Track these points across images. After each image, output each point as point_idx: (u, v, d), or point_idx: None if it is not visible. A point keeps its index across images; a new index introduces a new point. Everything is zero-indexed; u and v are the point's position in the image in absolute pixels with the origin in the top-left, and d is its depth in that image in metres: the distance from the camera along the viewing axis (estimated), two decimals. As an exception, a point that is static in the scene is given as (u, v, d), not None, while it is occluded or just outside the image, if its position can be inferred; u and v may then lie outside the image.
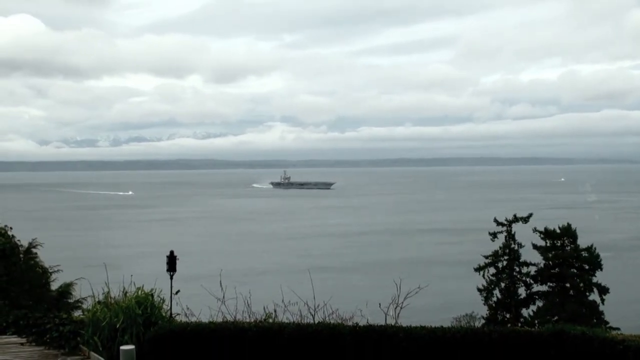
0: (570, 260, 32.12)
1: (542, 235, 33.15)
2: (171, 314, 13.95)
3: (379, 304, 16.03)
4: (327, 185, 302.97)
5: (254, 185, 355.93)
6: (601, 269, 32.04)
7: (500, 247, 32.94)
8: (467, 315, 31.33)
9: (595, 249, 32.53)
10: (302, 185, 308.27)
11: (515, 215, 33.55)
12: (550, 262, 32.49)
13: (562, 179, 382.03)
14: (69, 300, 18.98)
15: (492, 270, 32.91)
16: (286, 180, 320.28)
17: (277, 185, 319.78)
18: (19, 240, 18.59)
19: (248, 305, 14.10)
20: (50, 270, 18.99)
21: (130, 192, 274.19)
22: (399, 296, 16.49)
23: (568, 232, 32.68)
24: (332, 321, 13.99)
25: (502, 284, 32.47)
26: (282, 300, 14.37)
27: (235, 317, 13.95)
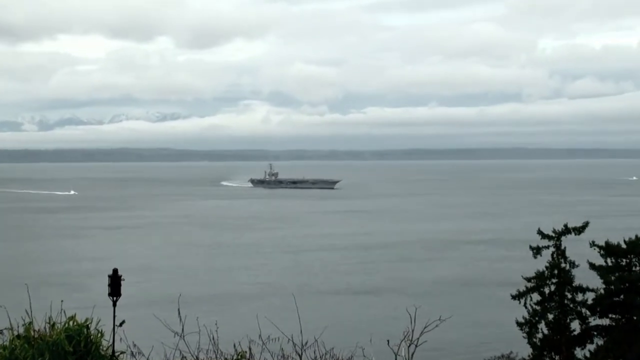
0: (639, 285, 32.21)
1: (602, 252, 33.21)
2: (113, 351, 13.93)
3: (387, 341, 16.04)
4: (330, 184, 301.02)
5: (224, 183, 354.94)
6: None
7: (546, 267, 32.98)
8: (503, 356, 31.44)
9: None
10: (295, 183, 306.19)
11: (566, 225, 33.58)
12: (614, 287, 32.56)
13: (634, 177, 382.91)
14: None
15: (536, 297, 32.96)
16: (272, 177, 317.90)
17: (258, 183, 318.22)
18: None
19: (214, 341, 14.06)
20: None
21: (72, 192, 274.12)
22: (413, 330, 16.46)
23: (637, 248, 32.73)
24: (324, 363, 14.00)
25: (550, 316, 32.55)
26: (260, 336, 14.32)
27: (197, 357, 13.93)
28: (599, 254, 33.41)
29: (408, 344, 15.80)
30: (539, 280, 33.00)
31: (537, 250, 33.57)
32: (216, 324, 14.70)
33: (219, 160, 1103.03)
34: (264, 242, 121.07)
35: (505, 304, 37.65)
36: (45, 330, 13.88)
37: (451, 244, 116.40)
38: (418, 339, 16.11)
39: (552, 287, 32.98)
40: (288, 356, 14.55)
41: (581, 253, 33.79)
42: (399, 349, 15.53)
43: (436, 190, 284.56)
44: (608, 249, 33.12)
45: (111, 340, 14.12)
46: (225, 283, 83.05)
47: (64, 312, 13.85)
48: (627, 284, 32.39)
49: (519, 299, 33.22)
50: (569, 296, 32.93)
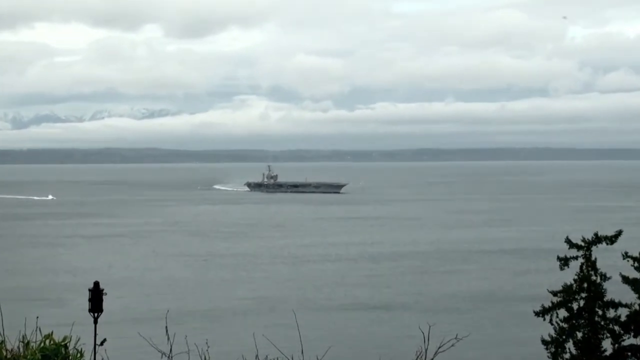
0: (678, 300, 32.19)
1: (636, 264, 33.19)
2: (94, 373, 13.98)
3: (398, 362, 16.12)
4: (335, 188, 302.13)
5: (217, 186, 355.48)
6: None
7: (575, 280, 32.93)
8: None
9: None
10: (296, 187, 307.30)
11: (597, 234, 33.52)
12: (649, 303, 32.54)
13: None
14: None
15: (563, 313, 32.92)
16: (271, 180, 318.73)
17: (256, 186, 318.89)
18: None
19: (205, 362, 14.12)
20: None
21: (51, 197, 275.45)
22: (426, 350, 16.47)
23: (675, 259, 32.71)
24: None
25: (579, 334, 32.51)
26: (257, 356, 14.37)
27: (187, 380, 13.97)
28: (632, 266, 33.38)
29: (421, 365, 15.81)
30: (567, 294, 32.91)
31: (564, 261, 33.46)
32: (207, 343, 14.72)
33: (211, 161, 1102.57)
34: (261, 252, 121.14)
35: (528, 321, 37.65)
36: (19, 350, 13.88)
37: (469, 254, 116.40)
38: (432, 359, 16.12)
39: (581, 303, 32.91)
40: (287, 378, 14.55)
41: (613, 264, 33.80)
42: (410, 370, 15.54)
43: (452, 194, 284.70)
44: (643, 260, 33.10)
45: (92, 361, 14.15)
46: (218, 297, 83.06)
47: (40, 329, 13.86)
48: (664, 299, 32.39)
49: (543, 316, 33.10)
50: (600, 312, 32.87)
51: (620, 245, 33.92)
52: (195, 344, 14.92)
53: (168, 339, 14.84)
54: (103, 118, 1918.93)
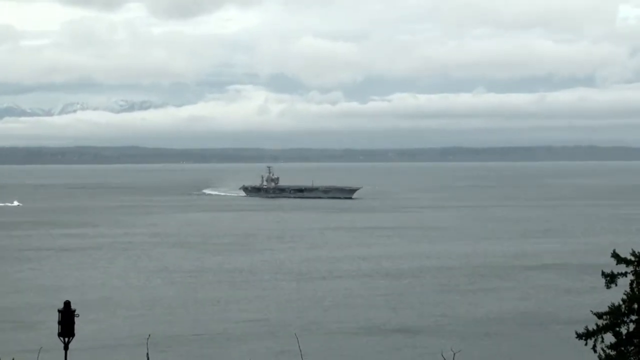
0: None
1: (696, 281, 33.19)
2: (65, 407, 14.10)
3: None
4: (346, 193, 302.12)
5: (208, 191, 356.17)
6: None
7: (623, 300, 32.91)
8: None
9: None
10: (301, 191, 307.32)
11: (649, 247, 33.51)
12: None
13: None
14: None
15: (609, 338, 32.93)
16: (272, 184, 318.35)
17: (253, 191, 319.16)
18: None
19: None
20: None
21: (16, 203, 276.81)
22: (450, 381, 16.72)
23: None
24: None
25: (628, 363, 32.52)
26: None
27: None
28: (691, 283, 33.37)
29: (444, 398, 15.94)
30: (614, 316, 32.80)
31: (611, 278, 33.28)
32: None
33: (201, 161, 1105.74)
34: (260, 267, 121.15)
35: (570, 347, 37.70)
36: (-23, 380, 14.02)
37: (502, 270, 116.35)
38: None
39: (631, 326, 32.86)
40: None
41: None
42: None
43: (483, 200, 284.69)
44: None
45: (62, 393, 14.20)
46: (209, 320, 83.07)
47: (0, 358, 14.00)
48: None
49: (586, 339, 32.97)
50: (654, 338, 32.89)
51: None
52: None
53: (150, 367, 14.95)
54: (75, 111, 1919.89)
